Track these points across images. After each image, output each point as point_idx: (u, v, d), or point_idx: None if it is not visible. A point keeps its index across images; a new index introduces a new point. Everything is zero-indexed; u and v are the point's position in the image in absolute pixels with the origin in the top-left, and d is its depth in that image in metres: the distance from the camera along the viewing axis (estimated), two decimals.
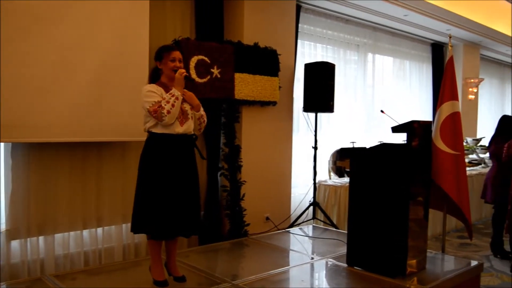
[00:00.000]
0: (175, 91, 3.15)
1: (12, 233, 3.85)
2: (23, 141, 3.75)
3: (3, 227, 3.87)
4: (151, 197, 3.17)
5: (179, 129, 3.21)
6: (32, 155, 3.92)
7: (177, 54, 3.29)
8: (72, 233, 4.18)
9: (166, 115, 3.08)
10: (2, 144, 3.86)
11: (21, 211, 3.88)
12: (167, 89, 3.21)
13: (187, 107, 3.30)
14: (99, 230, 4.32)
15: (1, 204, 3.90)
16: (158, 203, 3.15)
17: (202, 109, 3.40)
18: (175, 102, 3.12)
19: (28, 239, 3.93)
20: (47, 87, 3.72)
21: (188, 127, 3.29)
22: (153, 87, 3.22)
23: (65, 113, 3.81)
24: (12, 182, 3.85)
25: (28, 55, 3.61)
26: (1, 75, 3.49)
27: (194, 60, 4.56)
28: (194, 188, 3.33)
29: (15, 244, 3.90)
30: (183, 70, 3.24)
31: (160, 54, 3.31)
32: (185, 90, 3.31)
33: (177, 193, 3.19)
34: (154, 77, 3.35)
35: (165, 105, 3.09)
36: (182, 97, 3.20)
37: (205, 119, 3.44)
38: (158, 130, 3.20)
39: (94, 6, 3.94)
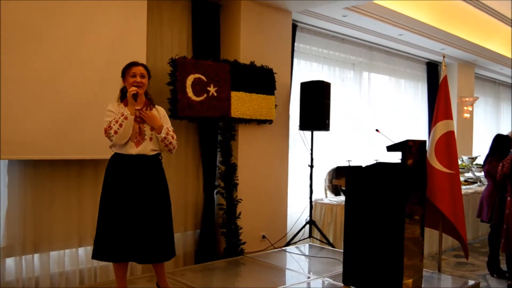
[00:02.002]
0: (125, 111, 3.11)
1: (7, 250, 3.84)
2: (18, 158, 3.76)
3: None
4: (99, 217, 3.19)
5: (132, 150, 3.17)
6: (28, 172, 3.92)
7: (137, 69, 3.24)
8: (67, 250, 4.16)
9: (113, 135, 3.08)
10: None
11: (17, 229, 3.87)
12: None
13: (146, 127, 3.23)
14: None
15: None
16: (102, 224, 3.15)
17: (166, 131, 3.25)
18: (123, 122, 3.07)
19: (23, 256, 3.91)
20: (39, 104, 3.73)
21: (144, 148, 3.21)
22: (113, 106, 3.22)
23: (60, 130, 3.83)
24: (7, 199, 3.84)
25: (17, 70, 3.62)
26: None
27: (190, 78, 4.59)
28: (150, 212, 3.19)
29: (10, 261, 3.88)
30: (133, 88, 3.15)
31: (123, 71, 3.29)
32: (147, 112, 3.23)
33: (125, 216, 3.12)
34: (122, 95, 3.30)
35: (113, 125, 3.08)
36: (132, 116, 3.12)
37: (171, 141, 3.28)
38: (115, 149, 3.21)
39: (89, 23, 3.98)
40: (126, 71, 3.27)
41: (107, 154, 4.01)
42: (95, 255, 3.22)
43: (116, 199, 3.15)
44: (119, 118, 3.09)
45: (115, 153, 3.22)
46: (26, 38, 3.67)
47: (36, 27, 3.73)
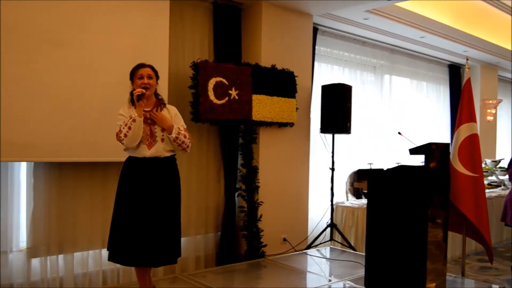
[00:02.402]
0: (133, 113, 3.11)
1: (32, 251, 3.91)
2: (43, 160, 3.84)
3: (24, 245, 3.94)
4: (114, 220, 3.21)
5: (146, 152, 3.17)
6: (53, 175, 4.00)
7: (144, 71, 3.23)
8: (91, 252, 4.22)
9: (123, 139, 3.09)
10: (25, 163, 3.94)
11: (42, 230, 3.95)
12: (140, 110, 3.18)
13: (157, 129, 3.22)
14: None
15: (22, 223, 3.97)
16: (117, 227, 3.17)
17: (178, 131, 3.22)
18: (131, 124, 3.08)
19: (48, 257, 3.98)
20: (65, 108, 3.81)
21: (157, 150, 3.20)
22: (124, 109, 3.21)
23: (84, 133, 3.90)
24: (33, 201, 3.91)
25: (45, 76, 3.71)
26: (18, 96, 3.58)
27: (212, 82, 4.62)
28: (162, 215, 3.20)
29: (35, 262, 3.95)
30: (138, 90, 3.14)
31: (131, 74, 3.29)
32: (157, 113, 3.22)
33: (137, 219, 3.13)
34: (132, 98, 3.27)
35: (123, 128, 3.09)
36: (141, 118, 3.11)
37: (184, 140, 3.25)
38: (128, 152, 3.22)
39: (111, 28, 4.05)
40: (134, 73, 3.27)
41: None
42: (110, 257, 3.26)
43: (129, 202, 3.16)
44: (128, 121, 3.10)
45: (129, 157, 3.24)
46: (53, 45, 3.76)
47: (63, 34, 3.81)
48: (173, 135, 3.20)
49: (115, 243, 3.19)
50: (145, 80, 3.21)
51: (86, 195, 4.16)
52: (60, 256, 4.05)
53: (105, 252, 4.26)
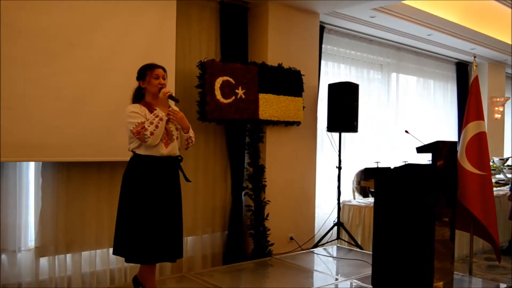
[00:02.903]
0: (159, 112, 3.11)
1: (41, 250, 3.94)
2: (51, 160, 3.86)
3: (33, 244, 3.96)
4: (134, 220, 3.15)
5: (163, 150, 3.19)
6: (61, 174, 4.01)
7: (160, 71, 3.26)
8: (98, 251, 4.24)
9: (149, 137, 3.06)
10: (33, 163, 3.97)
11: (50, 229, 3.97)
12: (151, 109, 3.19)
13: (172, 127, 3.26)
14: None
15: (31, 222, 4.00)
16: (141, 227, 3.13)
17: (191, 130, 3.35)
18: (158, 123, 3.08)
19: (56, 256, 4.00)
20: (73, 108, 3.83)
21: (173, 148, 3.25)
22: (137, 107, 3.20)
23: (92, 133, 3.92)
24: (41, 201, 3.94)
25: (54, 77, 3.73)
26: (28, 96, 3.61)
27: (219, 81, 4.63)
28: (177, 212, 3.30)
29: (43, 261, 3.97)
30: (167, 90, 3.20)
31: (143, 73, 3.28)
32: (176, 110, 3.28)
33: (160, 218, 3.17)
34: (137, 97, 3.31)
35: (148, 126, 3.06)
36: (166, 118, 3.15)
37: (193, 140, 3.39)
38: (142, 151, 3.18)
39: (120, 28, 4.07)
40: (148, 72, 3.26)
41: None
42: (133, 258, 3.24)
43: (154, 202, 3.16)
44: (154, 119, 3.09)
45: (142, 155, 3.19)
46: (63, 46, 3.78)
47: (72, 35, 3.83)
48: (190, 134, 3.34)
49: (143, 244, 3.13)
50: (162, 81, 3.25)
51: (93, 195, 4.18)
52: (68, 255, 4.07)
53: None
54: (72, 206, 4.07)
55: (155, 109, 3.16)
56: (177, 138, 3.31)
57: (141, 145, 3.17)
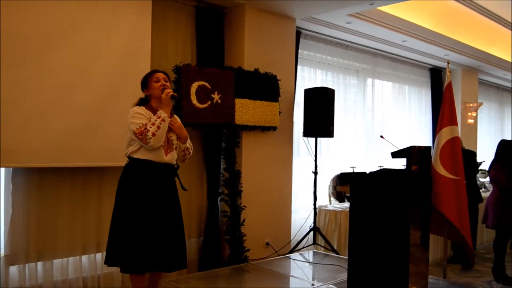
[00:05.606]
0: (161, 113, 3.09)
1: (11, 258, 3.83)
2: (22, 166, 3.77)
3: (2, 252, 3.85)
4: (133, 227, 3.07)
5: (163, 157, 3.16)
6: (33, 180, 3.92)
7: (159, 75, 3.25)
8: (71, 258, 4.15)
9: (151, 138, 3.01)
10: (3, 169, 3.87)
11: (21, 237, 3.87)
12: (156, 113, 3.15)
13: (173, 136, 3.24)
14: (98, 255, 4.29)
15: (0, 229, 3.89)
16: (140, 234, 3.06)
17: (189, 141, 3.33)
18: (160, 124, 3.05)
19: (27, 264, 3.91)
20: (47, 113, 3.76)
21: (172, 157, 3.23)
22: (142, 109, 3.17)
23: (66, 138, 3.84)
24: (12, 207, 3.84)
25: (28, 81, 3.65)
26: (1, 101, 3.52)
27: (195, 85, 4.60)
28: (177, 220, 3.26)
29: (13, 269, 3.87)
30: (170, 90, 3.18)
31: (145, 81, 3.28)
32: (176, 120, 3.26)
33: (160, 225, 3.11)
34: (142, 104, 3.27)
35: (150, 127, 3.02)
36: (169, 119, 3.13)
37: (191, 151, 3.38)
38: (140, 155, 3.12)
39: (95, 33, 4.01)
40: (148, 79, 3.26)
41: (113, 162, 4.04)
42: (129, 268, 3.14)
43: (150, 207, 3.10)
44: (156, 120, 3.06)
45: (140, 160, 3.13)
46: (43, 48, 3.72)
47: (53, 38, 3.77)
48: (187, 145, 3.32)
49: (140, 252, 3.05)
50: (163, 82, 3.23)
51: (65, 201, 4.09)
52: (39, 263, 3.98)
53: (85, 259, 4.23)
54: (44, 213, 3.98)
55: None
56: (176, 148, 3.28)
57: (140, 148, 3.12)
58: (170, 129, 3.21)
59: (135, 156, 3.14)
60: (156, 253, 3.09)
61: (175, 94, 3.26)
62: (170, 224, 3.18)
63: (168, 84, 3.27)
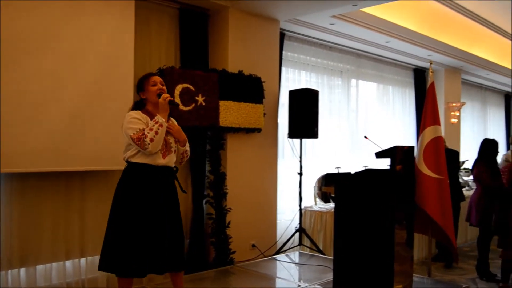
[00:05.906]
0: (159, 118, 3.06)
1: None
2: (3, 171, 3.70)
3: None
4: (132, 231, 3.05)
5: (160, 161, 3.14)
6: (15, 185, 3.87)
7: (156, 78, 3.24)
8: (54, 264, 4.10)
9: (149, 143, 2.99)
10: None
11: (2, 242, 3.81)
12: (152, 117, 3.13)
13: (171, 139, 3.23)
14: (82, 260, 4.25)
15: None
16: (139, 238, 3.04)
17: (187, 144, 3.33)
18: (158, 129, 3.03)
19: (9, 271, 3.85)
20: (30, 117, 3.70)
21: (170, 160, 3.21)
22: (138, 114, 3.14)
23: (48, 143, 3.78)
24: None
25: (7, 86, 3.58)
26: None
27: (179, 88, 4.58)
28: (176, 223, 3.24)
29: None
30: (167, 95, 3.16)
31: (141, 84, 3.25)
32: (173, 124, 3.26)
33: (158, 228, 3.09)
34: (138, 108, 3.25)
35: (148, 133, 3.00)
36: (166, 124, 3.11)
37: (189, 154, 3.38)
38: (138, 159, 3.10)
39: (77, 36, 3.96)
40: (145, 82, 3.23)
41: (96, 166, 4.01)
42: (128, 273, 3.10)
43: (150, 211, 3.08)
44: (153, 125, 3.03)
45: (138, 164, 3.11)
46: (28, 51, 3.68)
47: (37, 41, 3.72)
48: (186, 147, 3.32)
49: (139, 256, 3.03)
50: (160, 86, 3.20)
51: (48, 206, 4.04)
52: (22, 270, 3.92)
53: (69, 264, 4.18)
54: (27, 218, 3.92)
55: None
56: (175, 151, 3.27)
57: (138, 152, 3.10)
58: (168, 133, 3.20)
59: (133, 160, 3.13)
60: (155, 256, 3.07)
61: (172, 99, 3.21)
62: (169, 227, 3.17)
63: (164, 88, 3.24)
